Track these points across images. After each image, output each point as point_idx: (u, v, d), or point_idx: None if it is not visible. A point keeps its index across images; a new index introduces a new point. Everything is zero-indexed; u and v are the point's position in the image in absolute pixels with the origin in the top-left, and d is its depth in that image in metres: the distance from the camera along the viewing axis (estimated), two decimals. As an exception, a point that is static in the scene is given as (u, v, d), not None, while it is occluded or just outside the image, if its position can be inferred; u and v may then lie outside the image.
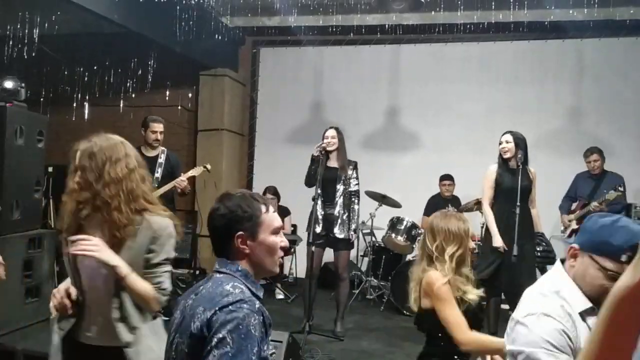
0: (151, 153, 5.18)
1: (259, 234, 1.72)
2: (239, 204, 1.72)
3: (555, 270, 1.82)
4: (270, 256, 1.75)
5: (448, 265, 2.57)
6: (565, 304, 1.71)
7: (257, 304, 1.63)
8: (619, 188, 5.35)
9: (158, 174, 5.15)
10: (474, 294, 2.59)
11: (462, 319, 2.51)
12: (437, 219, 2.68)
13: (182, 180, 5.12)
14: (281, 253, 1.79)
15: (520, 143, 4.60)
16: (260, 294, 1.73)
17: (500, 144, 4.67)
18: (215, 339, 1.54)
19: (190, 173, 5.30)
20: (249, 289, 1.68)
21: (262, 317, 1.61)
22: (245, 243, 1.71)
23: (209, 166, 5.45)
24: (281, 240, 1.78)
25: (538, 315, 1.69)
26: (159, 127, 5.15)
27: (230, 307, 1.57)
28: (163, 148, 5.26)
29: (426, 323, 2.64)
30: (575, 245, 1.76)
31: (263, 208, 1.75)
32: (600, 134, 6.69)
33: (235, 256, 1.73)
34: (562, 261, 1.85)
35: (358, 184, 5.19)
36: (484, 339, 2.51)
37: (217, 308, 1.58)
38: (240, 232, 1.70)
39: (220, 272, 1.72)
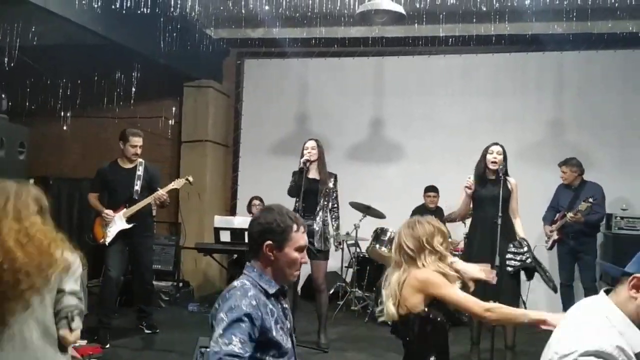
0: (129, 165, 5.18)
1: (285, 247, 2.03)
2: (276, 218, 2.04)
3: (602, 303, 1.61)
4: (289, 268, 2.05)
5: (434, 258, 2.63)
6: (624, 343, 1.48)
7: (251, 291, 1.95)
8: (589, 199, 5.44)
9: (137, 186, 5.13)
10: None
11: (470, 295, 2.56)
12: (413, 221, 2.73)
13: (162, 194, 5.10)
14: (298, 267, 2.09)
15: (505, 154, 4.68)
16: (271, 290, 2.02)
17: (490, 153, 4.68)
18: (217, 320, 1.94)
19: (172, 186, 5.27)
20: (259, 284, 2.01)
21: (255, 301, 1.92)
22: (271, 251, 2.02)
23: (190, 178, 5.43)
24: (302, 257, 2.08)
25: (590, 356, 1.45)
26: (138, 141, 5.14)
27: (226, 294, 1.97)
28: (141, 160, 5.23)
29: (413, 326, 2.61)
30: (639, 275, 1.56)
31: (295, 227, 2.05)
32: (581, 144, 6.79)
33: (261, 260, 2.05)
34: (606, 292, 1.66)
35: (337, 196, 5.24)
36: (503, 308, 2.56)
37: (220, 301, 1.98)
38: (269, 242, 2.02)
39: (243, 274, 2.08)
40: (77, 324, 2.23)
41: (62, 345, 2.22)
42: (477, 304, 2.54)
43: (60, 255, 2.21)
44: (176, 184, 5.34)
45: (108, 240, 5.03)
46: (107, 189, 5.21)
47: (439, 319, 2.59)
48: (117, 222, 5.07)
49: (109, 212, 5.06)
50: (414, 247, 2.64)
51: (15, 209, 2.20)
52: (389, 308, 2.67)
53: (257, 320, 1.90)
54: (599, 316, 1.56)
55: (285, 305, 2.12)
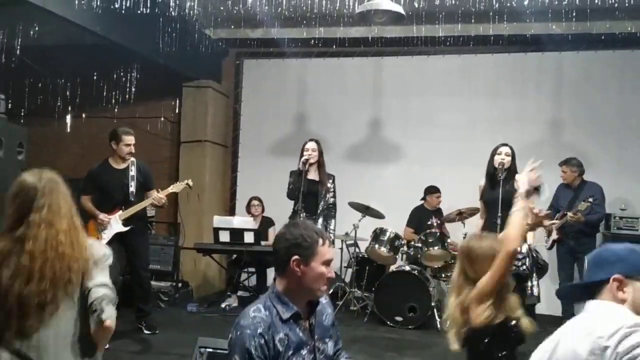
0: (121, 165, 5.09)
1: (312, 262, 2.01)
2: (302, 233, 2.02)
3: (607, 307, 1.66)
4: (316, 283, 2.04)
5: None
6: None
7: (260, 329, 1.92)
8: (589, 199, 5.44)
9: (132, 187, 5.06)
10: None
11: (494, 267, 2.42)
12: (474, 242, 2.55)
13: (160, 197, 5.06)
14: (326, 282, 2.07)
15: (514, 155, 4.68)
16: (285, 316, 2.00)
17: (498, 154, 4.65)
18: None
19: (171, 189, 5.24)
20: (275, 308, 2.00)
21: (263, 340, 1.91)
22: (299, 266, 2.00)
23: (190, 182, 5.39)
24: (328, 272, 2.06)
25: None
26: (132, 139, 5.04)
27: (238, 331, 1.94)
28: (132, 159, 5.13)
29: (492, 336, 2.44)
30: (619, 276, 1.65)
31: (321, 241, 2.04)
32: (579, 145, 6.79)
33: (287, 277, 2.03)
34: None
35: (335, 197, 5.25)
36: (507, 233, 2.49)
37: (233, 329, 1.97)
38: (297, 257, 2.00)
39: (266, 293, 2.07)
40: (109, 312, 2.18)
41: (91, 348, 2.20)
42: (502, 257, 2.39)
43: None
44: (176, 188, 5.29)
45: (104, 242, 4.93)
46: (100, 190, 5.09)
47: (514, 328, 2.45)
48: (113, 225, 5.01)
49: (104, 216, 5.00)
50: (473, 275, 2.49)
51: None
52: (452, 335, 2.52)
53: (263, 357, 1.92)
54: (617, 309, 1.64)
55: (312, 321, 2.11)
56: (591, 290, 1.71)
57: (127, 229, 5.02)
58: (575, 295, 1.82)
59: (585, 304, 1.74)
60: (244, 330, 1.93)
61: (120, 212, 5.04)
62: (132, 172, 5.08)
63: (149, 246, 5.74)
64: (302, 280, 2.01)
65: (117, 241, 5.04)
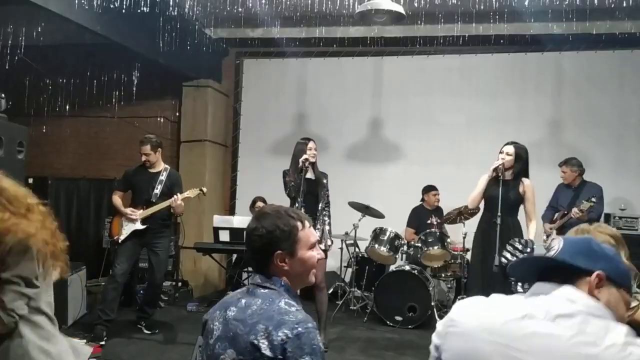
0: (154, 169, 5.38)
1: (297, 251, 1.79)
2: (276, 223, 1.78)
3: (596, 307, 1.42)
4: (307, 270, 1.83)
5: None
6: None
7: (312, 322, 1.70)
8: (592, 199, 5.45)
9: (157, 190, 5.31)
10: None
11: None
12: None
13: (175, 199, 5.24)
14: (316, 265, 1.85)
15: (523, 154, 4.67)
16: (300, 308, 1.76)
17: (500, 153, 4.69)
18: None
19: (186, 194, 5.43)
20: (295, 304, 1.74)
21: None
22: (284, 261, 1.78)
23: (205, 189, 5.60)
24: (318, 254, 1.85)
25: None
26: (143, 149, 5.31)
27: (299, 328, 1.63)
28: (166, 166, 5.46)
29: None
30: (603, 273, 1.45)
31: (299, 225, 1.80)
32: (579, 145, 6.80)
33: (275, 273, 1.79)
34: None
35: (329, 195, 5.25)
36: None
37: (286, 330, 1.62)
38: (279, 252, 1.77)
39: (263, 287, 1.78)
40: None
41: None
42: None
43: None
44: (190, 193, 5.47)
45: (122, 237, 5.19)
46: (130, 188, 5.42)
47: None
48: (134, 222, 5.24)
49: (132, 210, 5.23)
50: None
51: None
52: None
53: None
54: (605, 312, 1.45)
55: None
56: (565, 274, 1.46)
57: (143, 227, 5.21)
58: (530, 270, 1.55)
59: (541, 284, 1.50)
60: (306, 326, 1.65)
61: (141, 211, 5.24)
62: (162, 177, 5.35)
63: (169, 249, 5.92)
64: (291, 273, 1.79)
65: (135, 239, 5.24)
